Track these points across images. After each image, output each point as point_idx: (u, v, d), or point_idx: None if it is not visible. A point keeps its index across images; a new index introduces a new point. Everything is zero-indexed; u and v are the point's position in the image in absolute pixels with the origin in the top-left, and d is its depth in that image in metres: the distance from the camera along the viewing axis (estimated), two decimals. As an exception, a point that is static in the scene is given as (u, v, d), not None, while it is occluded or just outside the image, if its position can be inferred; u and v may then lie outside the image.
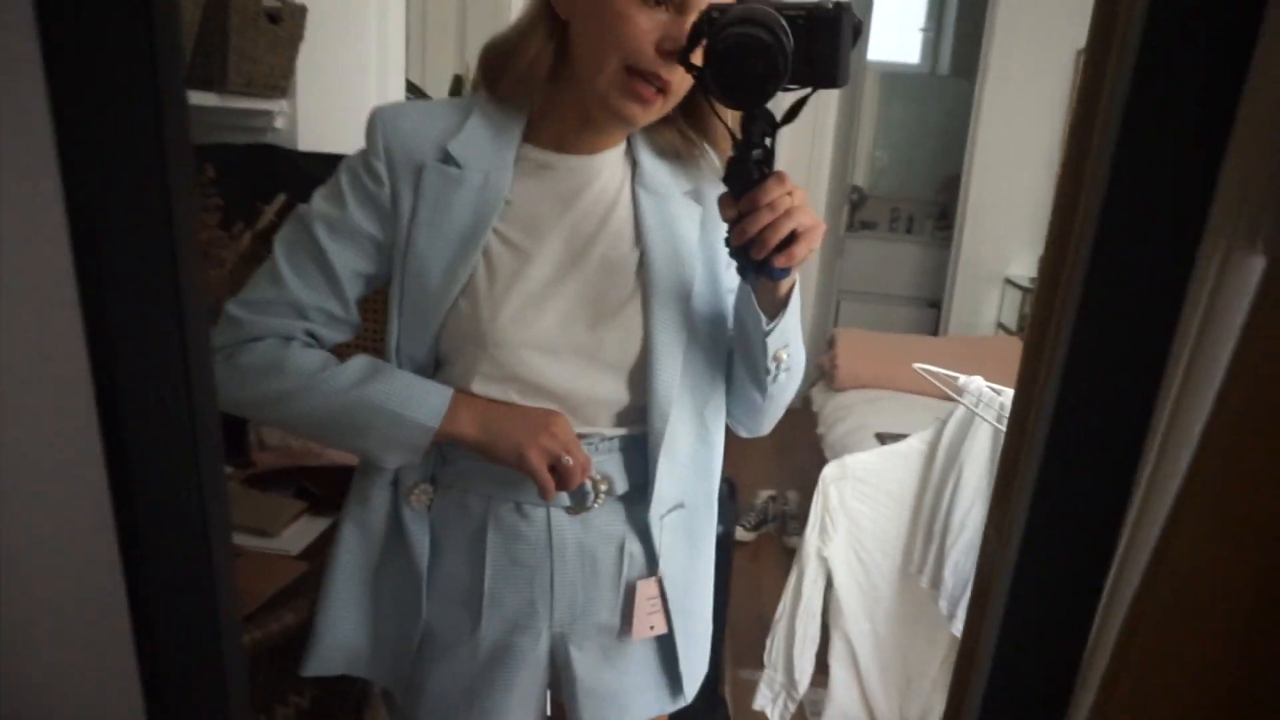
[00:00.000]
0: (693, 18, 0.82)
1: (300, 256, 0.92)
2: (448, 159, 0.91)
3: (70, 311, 0.50)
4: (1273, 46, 0.44)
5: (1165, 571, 0.48)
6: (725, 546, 2.17)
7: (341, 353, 0.94)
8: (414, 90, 2.35)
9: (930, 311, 5.39)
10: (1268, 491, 0.45)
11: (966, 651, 0.71)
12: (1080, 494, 0.55)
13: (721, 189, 0.98)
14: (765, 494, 3.34)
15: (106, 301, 0.47)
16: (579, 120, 0.93)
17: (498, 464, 0.91)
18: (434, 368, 0.95)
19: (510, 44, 0.91)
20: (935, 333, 4.72)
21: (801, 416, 4.36)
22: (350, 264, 0.92)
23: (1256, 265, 0.46)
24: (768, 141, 0.79)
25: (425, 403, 0.90)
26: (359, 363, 0.92)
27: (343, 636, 0.99)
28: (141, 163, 0.48)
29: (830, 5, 0.76)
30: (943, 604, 1.82)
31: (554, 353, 0.91)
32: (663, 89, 0.86)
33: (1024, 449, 0.60)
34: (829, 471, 1.93)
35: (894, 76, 5.79)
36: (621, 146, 0.98)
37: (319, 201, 0.94)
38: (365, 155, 0.92)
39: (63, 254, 0.48)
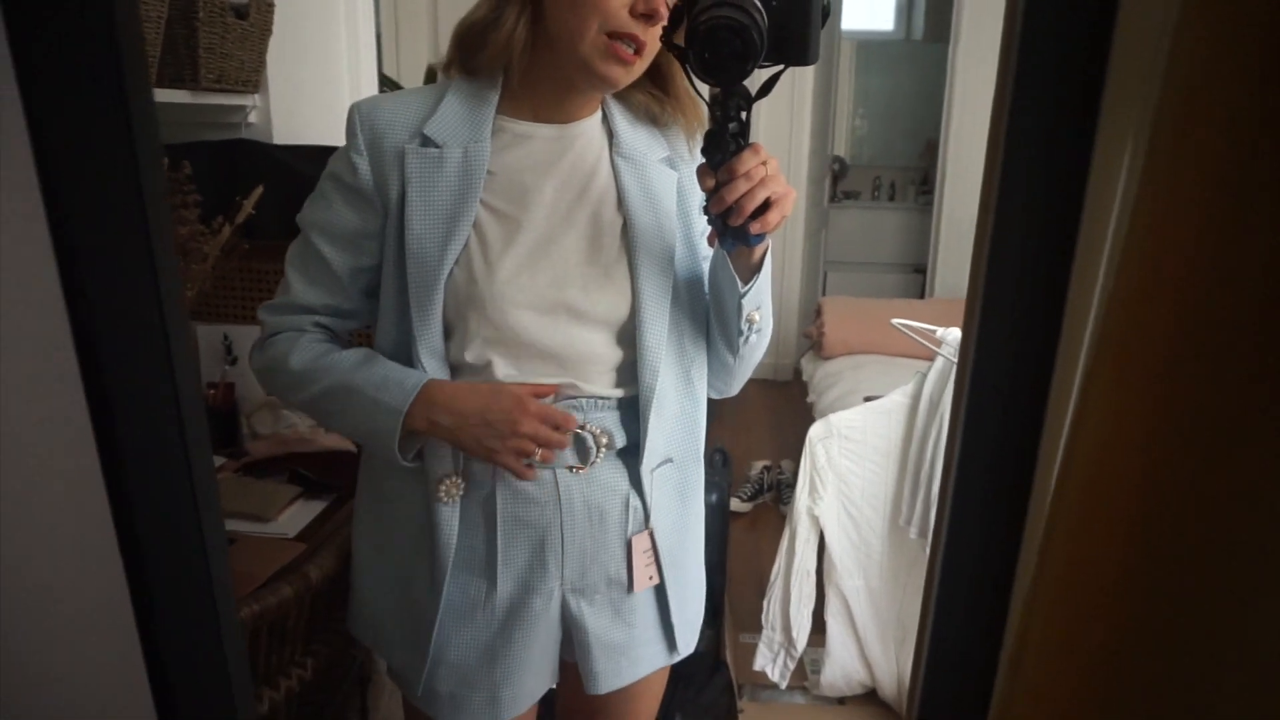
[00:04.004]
0: None
1: (303, 263, 1.01)
2: (426, 141, 0.95)
3: (58, 318, 0.53)
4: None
5: (1070, 485, 0.50)
6: (721, 515, 2.21)
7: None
8: (388, 83, 2.37)
9: (916, 277, 5.41)
10: (1152, 411, 0.45)
11: (927, 590, 0.74)
12: (999, 423, 0.60)
13: (693, 159, 1.05)
14: (760, 465, 3.38)
15: (92, 305, 0.50)
16: (556, 89, 0.97)
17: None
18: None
19: (485, 21, 0.95)
20: (921, 297, 4.75)
21: (792, 386, 4.39)
22: (347, 262, 0.99)
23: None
24: (743, 115, 0.84)
25: (398, 388, 0.94)
26: (354, 352, 0.99)
27: (373, 615, 1.06)
28: (115, 164, 0.51)
29: None
30: (932, 554, 1.85)
31: (549, 313, 0.95)
32: (639, 50, 0.90)
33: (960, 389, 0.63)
34: (815, 431, 1.96)
35: (869, 45, 5.79)
36: (598, 115, 1.02)
37: (309, 209, 1.01)
38: (346, 152, 0.97)
39: (48, 260, 0.52)
